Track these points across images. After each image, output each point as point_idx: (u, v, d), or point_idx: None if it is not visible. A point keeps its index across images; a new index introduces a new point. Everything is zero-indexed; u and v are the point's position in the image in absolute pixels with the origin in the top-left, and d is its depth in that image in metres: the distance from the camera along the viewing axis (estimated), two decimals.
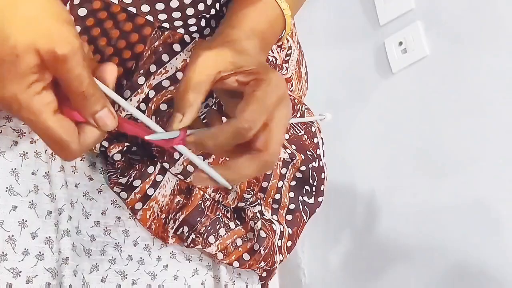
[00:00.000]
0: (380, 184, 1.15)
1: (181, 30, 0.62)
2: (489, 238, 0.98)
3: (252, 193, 0.69)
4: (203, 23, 0.63)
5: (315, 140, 0.77)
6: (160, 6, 0.61)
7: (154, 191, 0.66)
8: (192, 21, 0.63)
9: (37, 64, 0.44)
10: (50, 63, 0.44)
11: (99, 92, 0.47)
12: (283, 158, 0.73)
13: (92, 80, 0.46)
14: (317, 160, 0.76)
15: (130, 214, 0.66)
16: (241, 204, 0.69)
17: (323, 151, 0.78)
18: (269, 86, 0.49)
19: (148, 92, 0.63)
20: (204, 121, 0.59)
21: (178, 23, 0.62)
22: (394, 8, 1.16)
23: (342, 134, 1.21)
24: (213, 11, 0.63)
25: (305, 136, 0.76)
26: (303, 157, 0.74)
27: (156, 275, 0.66)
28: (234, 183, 0.51)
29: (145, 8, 0.61)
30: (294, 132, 0.75)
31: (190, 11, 0.62)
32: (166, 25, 0.62)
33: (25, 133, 0.60)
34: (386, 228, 1.13)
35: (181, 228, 0.67)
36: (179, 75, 0.63)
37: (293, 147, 0.74)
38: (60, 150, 0.47)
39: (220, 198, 0.69)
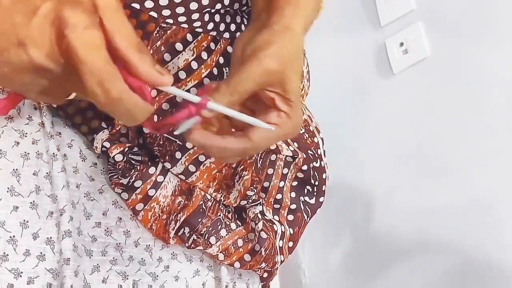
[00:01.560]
0: (380, 184, 1.15)
1: (185, 26, 0.62)
2: (489, 238, 0.98)
3: (255, 190, 0.69)
4: (206, 17, 0.63)
5: (315, 139, 0.77)
6: (163, 1, 0.61)
7: (155, 192, 0.66)
8: (195, 16, 0.63)
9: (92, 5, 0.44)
10: (106, 9, 0.44)
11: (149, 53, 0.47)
12: (286, 157, 0.73)
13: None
14: (318, 160, 0.76)
15: (131, 214, 0.66)
16: (243, 203, 0.69)
17: (324, 151, 0.78)
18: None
19: (150, 91, 0.63)
20: None
21: (181, 18, 0.62)
22: (395, 8, 1.16)
23: (343, 134, 1.21)
24: (218, 6, 0.63)
25: (306, 135, 0.76)
26: (304, 156, 0.74)
27: (157, 276, 0.66)
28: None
29: (149, 4, 0.61)
30: None
31: (193, 5, 0.62)
32: (170, 20, 0.62)
33: (26, 133, 0.60)
34: (386, 228, 1.13)
35: (182, 229, 0.67)
36: (181, 74, 0.63)
37: (296, 144, 0.74)
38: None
39: (222, 198, 0.68)
